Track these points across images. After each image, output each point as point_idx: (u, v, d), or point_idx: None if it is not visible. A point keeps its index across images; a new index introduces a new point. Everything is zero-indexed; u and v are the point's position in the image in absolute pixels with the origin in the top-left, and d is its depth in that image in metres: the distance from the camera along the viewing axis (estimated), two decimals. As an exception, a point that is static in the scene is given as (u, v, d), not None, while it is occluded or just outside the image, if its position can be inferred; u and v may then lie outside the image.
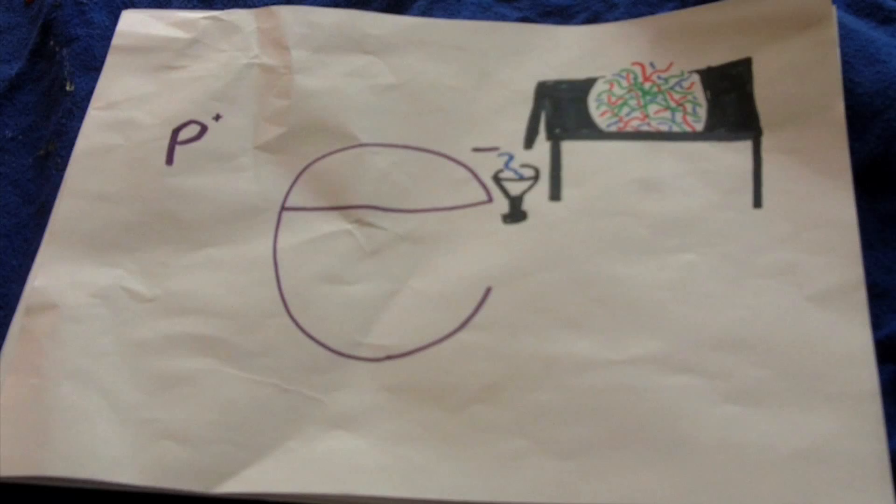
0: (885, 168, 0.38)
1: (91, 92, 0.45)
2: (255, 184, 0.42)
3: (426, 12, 0.47)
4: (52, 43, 0.49)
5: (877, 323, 0.35)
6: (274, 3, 0.47)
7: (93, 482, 0.35)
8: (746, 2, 0.42)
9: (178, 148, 0.43)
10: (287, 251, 0.40)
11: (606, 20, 0.45)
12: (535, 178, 0.40)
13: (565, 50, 0.44)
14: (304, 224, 0.41)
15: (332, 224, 0.40)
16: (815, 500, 0.32)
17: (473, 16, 0.46)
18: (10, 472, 0.35)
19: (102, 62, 0.46)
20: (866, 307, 0.35)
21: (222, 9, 0.48)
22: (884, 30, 0.41)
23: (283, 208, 0.41)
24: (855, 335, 0.34)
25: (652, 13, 0.44)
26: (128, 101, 0.44)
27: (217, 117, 0.44)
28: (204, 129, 0.43)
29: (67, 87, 0.46)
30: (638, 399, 0.34)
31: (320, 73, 0.44)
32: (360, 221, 0.40)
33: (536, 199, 0.40)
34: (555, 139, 0.41)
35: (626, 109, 0.41)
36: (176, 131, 0.43)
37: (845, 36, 0.40)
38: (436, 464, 0.34)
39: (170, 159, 0.43)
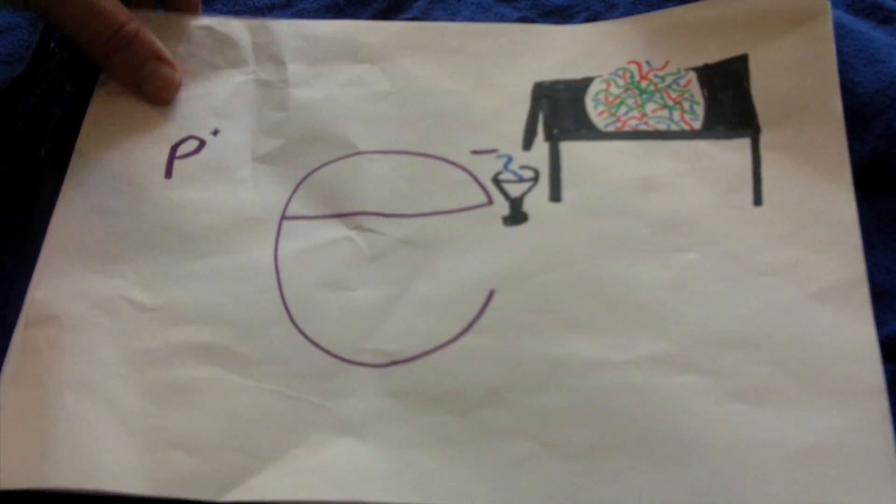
0: (885, 168, 0.38)
1: (90, 94, 0.45)
2: (254, 194, 0.41)
3: (426, 12, 0.46)
4: (52, 45, 0.48)
5: (877, 323, 0.35)
6: (270, 10, 0.47)
7: (98, 493, 0.35)
8: (741, -2, 0.42)
9: (176, 162, 0.42)
10: (288, 259, 0.40)
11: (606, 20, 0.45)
12: (535, 179, 0.40)
13: (561, 49, 0.44)
14: (305, 232, 0.40)
15: (333, 231, 0.40)
16: (822, 496, 0.32)
17: (473, 16, 0.46)
18: (14, 485, 0.35)
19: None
20: (869, 303, 0.35)
21: (222, 11, 0.48)
22: (884, 30, 0.41)
23: (284, 217, 0.41)
24: (858, 331, 0.34)
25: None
26: (124, 116, 0.44)
27: (215, 132, 0.43)
28: (202, 143, 0.43)
29: (67, 89, 0.46)
30: (643, 399, 0.35)
31: (317, 85, 0.44)
32: (360, 227, 0.40)
33: (536, 201, 0.40)
34: (553, 140, 0.41)
35: (623, 109, 0.41)
36: (174, 147, 0.43)
37: (845, 36, 0.40)
38: (443, 469, 0.34)
39: (168, 173, 0.42)
